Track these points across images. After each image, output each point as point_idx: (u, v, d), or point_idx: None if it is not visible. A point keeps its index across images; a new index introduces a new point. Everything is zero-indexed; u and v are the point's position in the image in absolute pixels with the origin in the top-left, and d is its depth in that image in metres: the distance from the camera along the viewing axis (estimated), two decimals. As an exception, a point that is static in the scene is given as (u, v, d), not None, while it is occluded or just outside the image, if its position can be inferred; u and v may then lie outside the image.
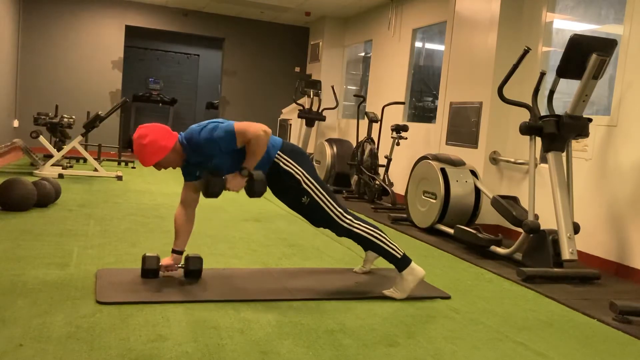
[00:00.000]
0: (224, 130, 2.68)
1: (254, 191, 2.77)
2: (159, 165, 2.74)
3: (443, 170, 4.80)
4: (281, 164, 2.86)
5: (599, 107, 4.59)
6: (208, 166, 2.81)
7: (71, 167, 7.32)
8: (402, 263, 2.92)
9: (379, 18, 8.19)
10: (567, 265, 3.73)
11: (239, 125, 2.70)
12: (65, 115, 7.43)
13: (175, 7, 9.81)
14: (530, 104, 3.89)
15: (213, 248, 3.73)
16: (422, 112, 7.45)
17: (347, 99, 9.50)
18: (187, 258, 2.94)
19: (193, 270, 2.94)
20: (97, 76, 9.51)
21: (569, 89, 4.61)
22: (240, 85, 10.35)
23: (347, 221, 2.90)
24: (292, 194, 2.91)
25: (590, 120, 3.76)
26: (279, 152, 2.87)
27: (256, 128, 2.69)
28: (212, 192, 2.73)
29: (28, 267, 2.96)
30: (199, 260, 2.95)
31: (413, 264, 2.93)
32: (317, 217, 2.93)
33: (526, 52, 3.84)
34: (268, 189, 2.97)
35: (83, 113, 8.83)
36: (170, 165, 2.77)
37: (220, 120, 2.78)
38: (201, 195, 2.97)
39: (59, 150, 6.96)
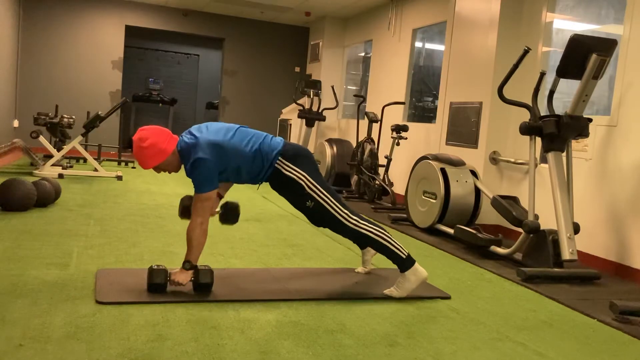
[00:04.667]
0: (200, 177, 2.66)
1: (199, 284, 2.72)
2: (157, 169, 2.75)
3: (443, 170, 4.80)
4: (283, 170, 2.82)
5: (599, 107, 4.59)
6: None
7: (71, 167, 7.32)
8: (406, 263, 2.92)
9: (379, 18, 8.19)
10: (567, 265, 3.73)
11: (200, 197, 2.68)
12: (65, 115, 7.42)
13: (175, 7, 9.81)
14: (530, 104, 3.89)
15: (213, 248, 3.73)
16: (422, 112, 7.45)
17: (347, 99, 9.50)
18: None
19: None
20: (97, 76, 9.50)
21: (569, 89, 4.61)
22: (240, 85, 10.35)
23: (354, 222, 2.89)
24: (296, 198, 2.89)
25: (590, 120, 3.76)
26: (280, 158, 2.82)
27: (199, 219, 2.67)
28: (155, 283, 2.68)
29: (28, 267, 2.96)
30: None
31: (417, 265, 2.94)
32: (321, 219, 2.91)
33: (526, 52, 3.84)
34: (271, 188, 2.96)
35: (83, 113, 8.83)
36: (168, 168, 2.76)
37: (203, 153, 2.66)
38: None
39: (59, 150, 6.95)
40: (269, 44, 10.40)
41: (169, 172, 2.80)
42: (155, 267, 2.71)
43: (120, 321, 2.30)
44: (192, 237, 2.70)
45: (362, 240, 2.95)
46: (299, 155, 2.87)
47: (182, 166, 2.82)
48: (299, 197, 2.86)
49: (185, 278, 2.71)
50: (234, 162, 2.75)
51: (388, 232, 2.96)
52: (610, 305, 2.91)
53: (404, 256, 2.91)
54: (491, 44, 5.16)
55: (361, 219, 2.93)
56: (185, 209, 2.98)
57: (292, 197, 2.91)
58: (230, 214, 3.06)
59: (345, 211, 2.89)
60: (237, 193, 6.21)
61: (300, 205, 2.90)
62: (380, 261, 3.35)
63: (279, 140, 2.89)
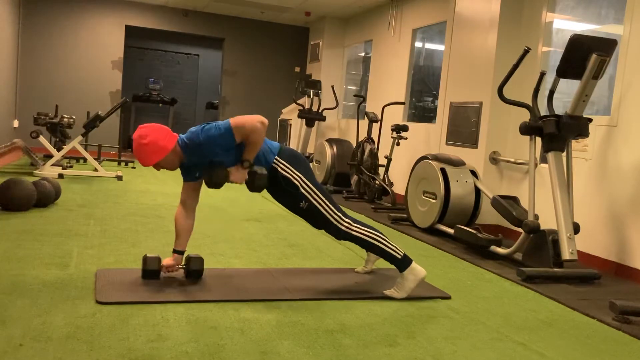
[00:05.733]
0: (221, 128, 2.70)
1: (254, 185, 2.78)
2: (158, 166, 2.76)
3: (443, 170, 4.80)
4: (279, 169, 2.87)
5: (599, 107, 4.59)
6: (209, 163, 2.82)
7: (71, 167, 7.32)
8: (402, 263, 2.92)
9: (379, 18, 8.19)
10: (567, 265, 3.73)
11: (235, 120, 2.71)
12: (65, 115, 7.43)
13: (175, 7, 9.81)
14: (530, 104, 3.89)
15: (213, 248, 3.73)
16: (422, 112, 7.45)
17: (347, 99, 9.50)
18: (188, 258, 2.94)
19: (194, 270, 2.93)
20: (97, 76, 9.51)
21: (569, 89, 4.61)
22: (240, 85, 10.35)
23: (346, 224, 2.91)
24: (290, 198, 2.92)
25: (590, 120, 3.76)
26: (276, 157, 2.88)
27: (253, 120, 2.70)
28: (215, 182, 2.74)
29: (28, 267, 2.96)
30: (200, 260, 2.94)
31: (414, 264, 2.94)
32: (316, 220, 2.94)
33: (526, 52, 3.84)
34: (267, 191, 2.98)
35: (83, 113, 8.83)
36: (168, 166, 2.78)
37: (218, 122, 2.79)
38: (201, 194, 2.98)
39: (59, 150, 6.96)
40: (269, 44, 10.40)
41: (168, 169, 2.82)
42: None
43: (120, 321, 2.30)
44: (254, 133, 2.69)
45: (356, 243, 2.96)
46: (295, 157, 2.94)
47: (182, 162, 2.84)
48: (293, 197, 2.89)
49: (243, 176, 2.77)
50: (235, 154, 2.77)
51: (382, 234, 2.97)
52: (610, 305, 2.91)
53: (400, 256, 2.92)
54: (491, 44, 5.16)
55: (354, 222, 2.94)
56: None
57: (287, 198, 2.94)
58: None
59: (338, 213, 2.91)
60: (237, 193, 6.21)
61: (295, 207, 2.93)
62: (381, 261, 3.35)
63: (275, 143, 2.97)
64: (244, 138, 2.72)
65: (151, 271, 2.86)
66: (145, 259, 2.87)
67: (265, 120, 2.73)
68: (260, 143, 2.75)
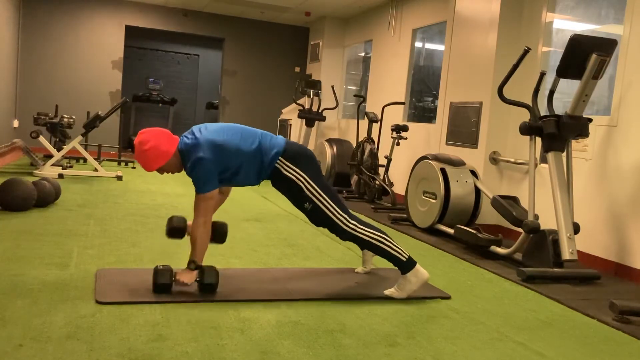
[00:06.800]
0: (201, 177, 2.67)
1: (204, 284, 2.72)
2: (161, 170, 2.75)
3: (443, 170, 4.80)
4: (282, 170, 2.80)
5: (599, 107, 4.59)
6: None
7: (71, 167, 7.32)
8: (407, 266, 2.91)
9: (379, 18, 8.19)
10: (567, 265, 3.73)
11: (203, 197, 2.68)
12: (65, 115, 7.43)
13: (175, 7, 9.81)
14: (530, 104, 3.89)
15: (213, 248, 3.72)
16: (422, 112, 7.45)
17: (347, 99, 9.50)
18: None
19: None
20: (97, 76, 9.50)
21: (569, 89, 4.61)
22: (240, 85, 10.35)
23: (352, 226, 2.87)
24: (294, 199, 2.88)
25: (590, 120, 3.76)
26: (280, 157, 2.79)
27: (202, 219, 2.69)
28: (160, 283, 2.67)
29: (28, 267, 2.96)
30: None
31: (418, 267, 2.93)
32: (320, 221, 2.89)
33: (526, 52, 3.84)
34: (273, 186, 2.95)
35: (83, 113, 8.82)
36: (171, 169, 2.76)
37: (203, 153, 2.67)
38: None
39: (59, 150, 6.96)
40: (269, 44, 10.40)
41: (172, 173, 2.81)
42: (161, 267, 2.71)
43: (120, 321, 2.30)
44: (196, 236, 2.71)
45: (361, 245, 2.94)
46: (300, 156, 2.84)
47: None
48: (297, 198, 2.86)
49: (190, 278, 2.72)
50: (234, 161, 2.74)
51: (388, 235, 2.95)
52: (610, 305, 2.91)
53: (404, 259, 2.91)
54: (491, 44, 5.16)
55: (360, 223, 2.90)
56: (173, 230, 2.95)
57: (291, 198, 2.91)
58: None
59: (344, 215, 2.87)
60: (237, 193, 6.21)
61: (299, 206, 2.90)
62: (381, 261, 3.35)
63: (280, 139, 2.86)
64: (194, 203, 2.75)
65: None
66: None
67: (208, 227, 2.74)
68: (198, 243, 2.71)
